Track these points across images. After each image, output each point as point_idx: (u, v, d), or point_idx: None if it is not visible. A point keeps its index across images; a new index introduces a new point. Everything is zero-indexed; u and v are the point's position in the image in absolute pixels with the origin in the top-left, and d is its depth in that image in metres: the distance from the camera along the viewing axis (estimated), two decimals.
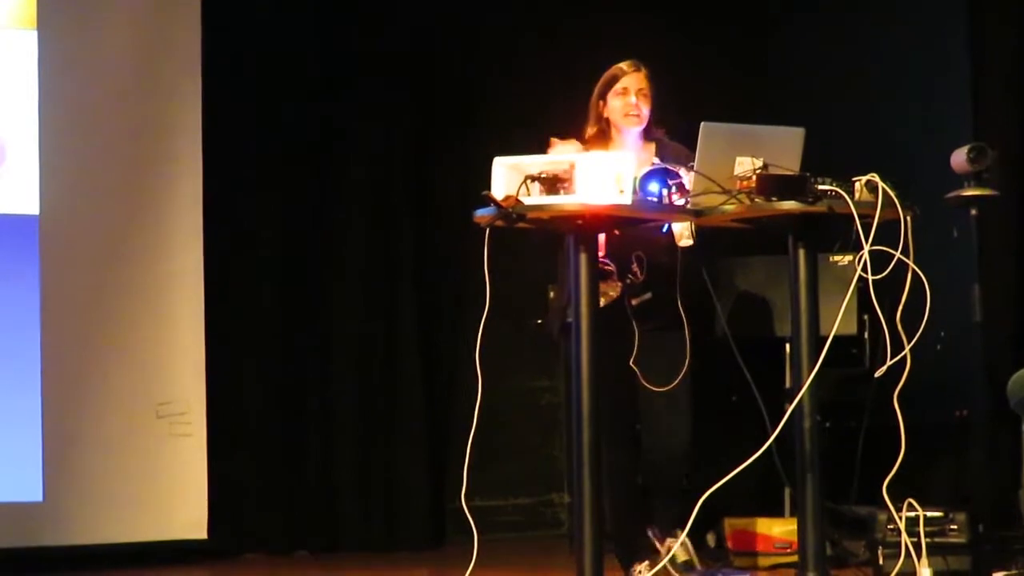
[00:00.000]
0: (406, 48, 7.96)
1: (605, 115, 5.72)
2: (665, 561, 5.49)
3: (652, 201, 4.89)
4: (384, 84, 7.91)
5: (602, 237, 5.41)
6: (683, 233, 5.41)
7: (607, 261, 5.51)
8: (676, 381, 5.52)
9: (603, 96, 5.73)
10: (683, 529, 5.08)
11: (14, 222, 7.09)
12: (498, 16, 8.07)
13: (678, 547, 5.52)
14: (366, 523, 7.74)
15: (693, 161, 5.00)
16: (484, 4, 8.05)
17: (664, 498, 5.68)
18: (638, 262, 5.54)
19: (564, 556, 6.63)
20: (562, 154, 5.14)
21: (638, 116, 5.68)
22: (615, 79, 5.71)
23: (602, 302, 5.44)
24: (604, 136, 5.72)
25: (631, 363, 5.53)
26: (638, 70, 5.71)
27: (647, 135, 5.76)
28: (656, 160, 5.45)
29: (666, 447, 5.68)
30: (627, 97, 5.68)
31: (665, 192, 4.91)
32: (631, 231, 5.36)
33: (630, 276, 5.55)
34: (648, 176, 4.91)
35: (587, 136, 5.71)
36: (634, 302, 5.57)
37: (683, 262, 5.48)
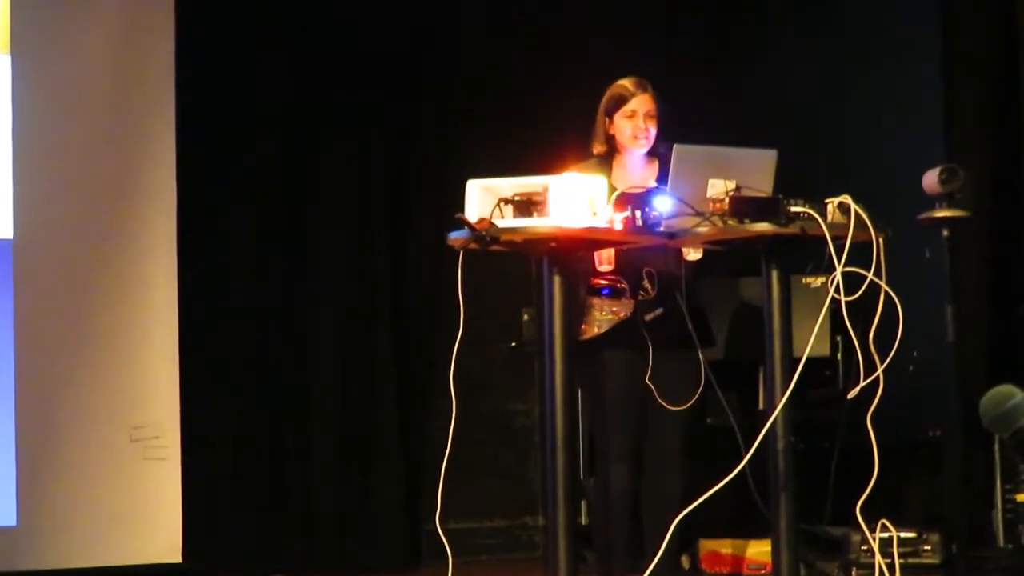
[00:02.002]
0: (385, 65, 7.97)
1: (611, 133, 5.73)
2: None
3: (627, 223, 4.89)
4: (362, 102, 7.92)
5: (612, 253, 5.43)
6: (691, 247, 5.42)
7: (619, 278, 5.52)
8: (694, 399, 5.52)
9: (610, 115, 5.71)
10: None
11: None
12: (479, 32, 8.09)
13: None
14: (341, 545, 7.73)
15: None
16: (464, 19, 8.07)
17: (659, 524, 5.57)
18: (648, 278, 5.54)
19: None
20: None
21: (647, 139, 5.69)
22: (623, 100, 5.69)
23: (611, 321, 5.50)
24: (610, 154, 5.73)
25: (647, 380, 5.51)
26: (645, 91, 5.70)
27: (650, 151, 5.76)
28: (653, 183, 5.46)
29: (662, 469, 5.67)
30: (636, 120, 5.67)
31: (638, 214, 4.92)
32: (634, 250, 5.37)
33: (642, 292, 5.55)
34: (623, 198, 4.92)
35: (595, 153, 5.72)
36: (647, 318, 5.57)
37: (689, 276, 5.49)
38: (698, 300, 5.57)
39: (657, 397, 5.52)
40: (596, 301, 5.54)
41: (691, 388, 5.53)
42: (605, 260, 5.51)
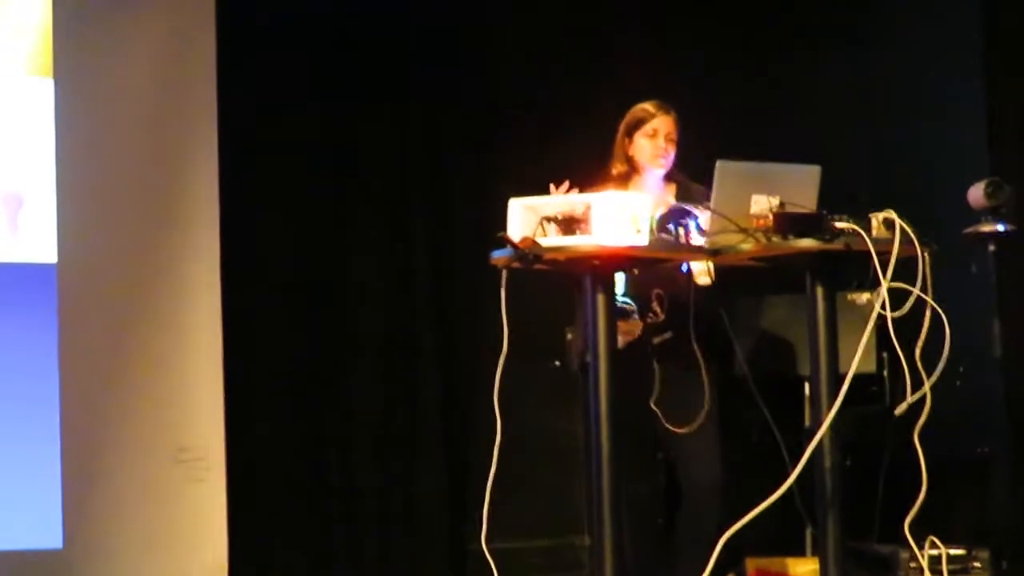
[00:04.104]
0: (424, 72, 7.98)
1: (631, 154, 5.73)
2: None
3: (669, 241, 4.88)
4: (401, 112, 7.91)
5: (623, 276, 5.42)
6: (701, 271, 5.41)
7: (628, 300, 5.51)
8: (699, 421, 5.51)
9: (630, 135, 5.74)
10: None
11: (33, 271, 7.10)
12: (513, 44, 8.09)
13: None
14: (386, 567, 7.71)
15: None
16: (501, 30, 8.06)
17: (696, 548, 5.56)
18: (658, 300, 5.53)
19: None
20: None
21: (666, 159, 5.70)
22: (644, 120, 5.72)
23: (623, 341, 5.46)
24: (629, 174, 5.73)
25: (652, 403, 5.51)
26: (668, 113, 5.73)
27: (667, 176, 5.77)
28: (671, 200, 5.45)
29: (699, 486, 5.65)
30: (656, 140, 5.70)
31: (682, 231, 4.91)
32: (652, 270, 5.36)
33: (650, 315, 5.55)
34: (667, 215, 4.91)
35: (614, 174, 5.71)
36: (655, 341, 5.56)
37: (698, 300, 5.47)
38: (713, 323, 5.53)
39: (662, 419, 5.51)
40: None
41: (697, 410, 5.50)
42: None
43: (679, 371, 5.54)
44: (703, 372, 5.48)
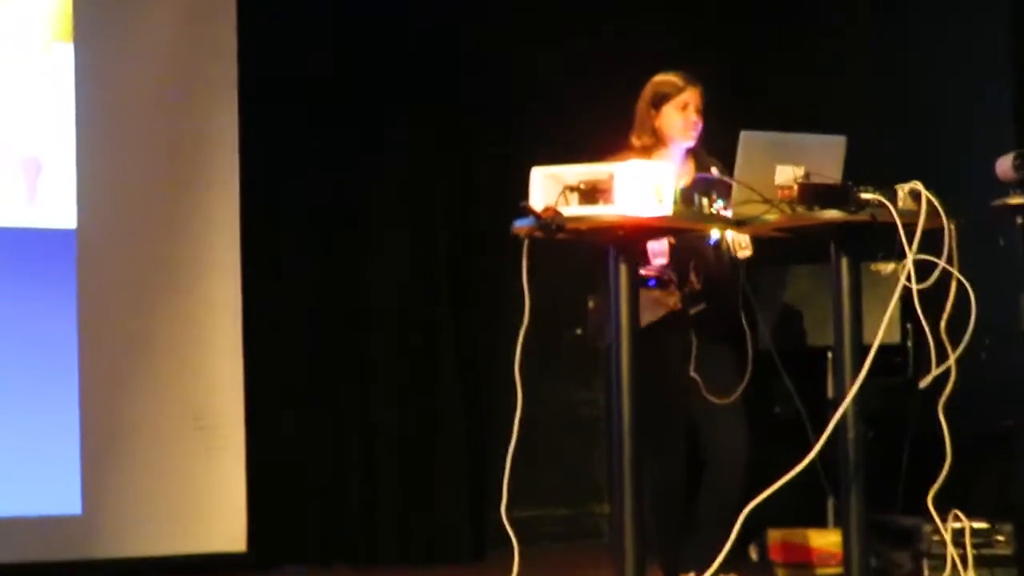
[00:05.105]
0: (445, 53, 7.93)
1: (657, 125, 5.67)
2: None
3: (693, 211, 4.85)
4: (423, 92, 7.88)
5: (667, 246, 5.38)
6: (741, 243, 5.37)
7: (667, 270, 5.49)
8: (737, 392, 5.48)
9: (657, 107, 5.67)
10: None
11: (52, 236, 7.10)
12: (536, 28, 8.04)
13: None
14: (405, 534, 7.71)
15: (727, 172, 4.97)
16: (525, 15, 8.02)
17: (719, 519, 5.52)
18: (696, 271, 5.50)
19: (605, 567, 6.58)
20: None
21: (696, 133, 5.65)
22: (675, 92, 5.66)
23: (662, 312, 5.45)
24: (653, 146, 5.67)
25: (692, 372, 5.48)
26: (695, 85, 5.67)
27: (689, 149, 5.73)
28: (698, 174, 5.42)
29: (726, 458, 5.63)
30: (687, 113, 5.65)
31: (705, 202, 4.88)
32: (684, 242, 5.33)
33: (687, 286, 5.52)
34: (692, 186, 4.88)
35: (638, 147, 5.66)
36: (691, 312, 5.54)
37: (738, 273, 5.44)
38: (745, 296, 5.51)
39: (703, 390, 5.48)
40: (643, 292, 5.49)
41: (736, 381, 5.50)
42: (659, 253, 5.48)
43: (715, 343, 5.51)
44: (742, 343, 5.45)
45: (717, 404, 5.51)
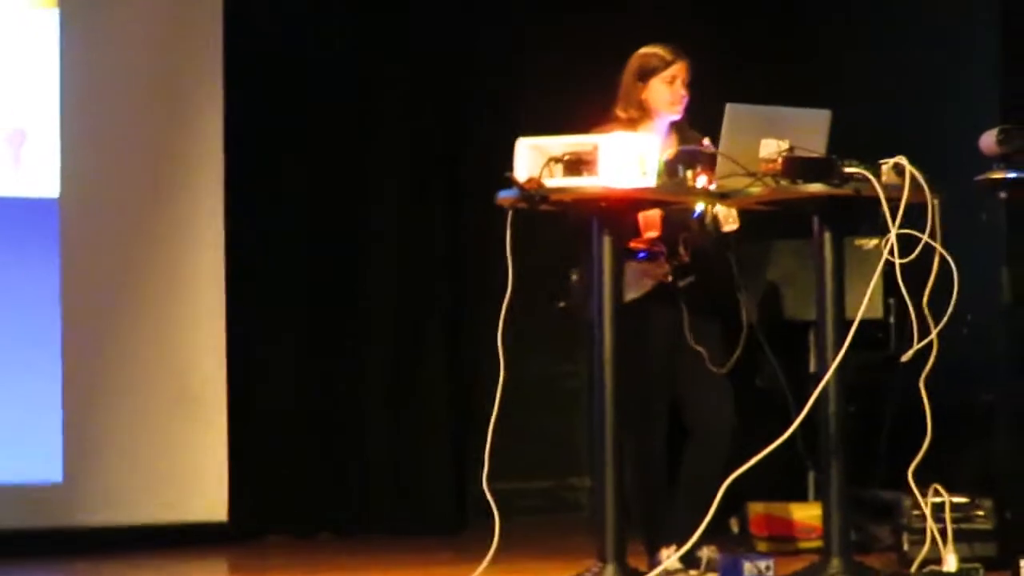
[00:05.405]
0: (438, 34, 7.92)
1: (643, 98, 5.65)
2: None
3: (676, 184, 4.85)
4: (415, 62, 7.84)
5: (658, 219, 5.39)
6: (728, 217, 5.36)
7: (657, 243, 5.49)
8: (731, 363, 5.48)
9: (644, 80, 5.65)
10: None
11: (35, 205, 7.08)
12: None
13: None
14: (388, 505, 7.71)
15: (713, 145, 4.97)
16: None
17: (700, 492, 5.52)
18: (684, 244, 5.50)
19: (585, 539, 6.59)
20: None
21: (682, 106, 5.64)
22: (662, 65, 5.64)
23: (649, 285, 5.47)
24: (639, 119, 5.66)
25: (693, 343, 5.48)
26: (683, 59, 5.65)
27: (673, 122, 5.72)
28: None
29: (711, 431, 5.63)
30: (675, 86, 5.63)
31: (689, 175, 4.88)
32: (672, 214, 5.33)
33: (676, 259, 5.51)
34: (675, 158, 4.88)
35: (623, 119, 5.65)
36: (680, 284, 5.54)
37: (723, 246, 5.44)
38: (731, 270, 5.50)
39: (706, 361, 5.48)
40: (633, 264, 5.49)
41: (724, 354, 5.50)
42: (651, 226, 5.48)
43: (703, 315, 5.51)
44: (730, 317, 5.45)
45: (704, 377, 5.50)
